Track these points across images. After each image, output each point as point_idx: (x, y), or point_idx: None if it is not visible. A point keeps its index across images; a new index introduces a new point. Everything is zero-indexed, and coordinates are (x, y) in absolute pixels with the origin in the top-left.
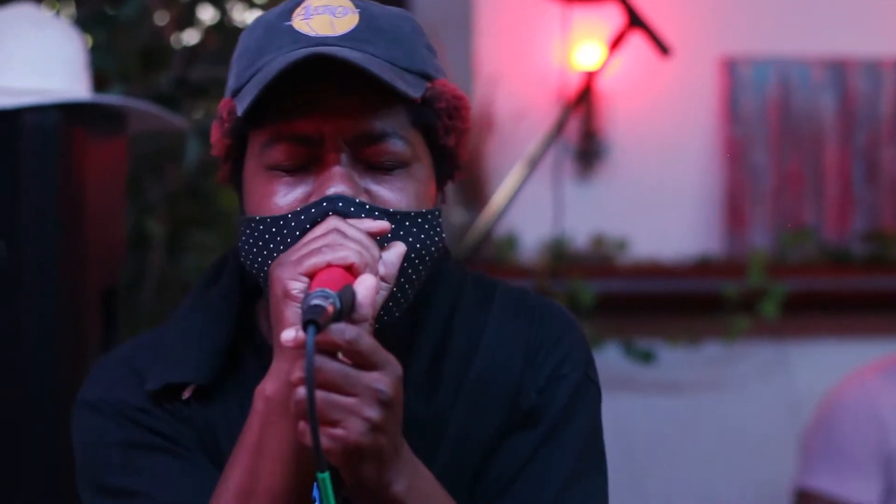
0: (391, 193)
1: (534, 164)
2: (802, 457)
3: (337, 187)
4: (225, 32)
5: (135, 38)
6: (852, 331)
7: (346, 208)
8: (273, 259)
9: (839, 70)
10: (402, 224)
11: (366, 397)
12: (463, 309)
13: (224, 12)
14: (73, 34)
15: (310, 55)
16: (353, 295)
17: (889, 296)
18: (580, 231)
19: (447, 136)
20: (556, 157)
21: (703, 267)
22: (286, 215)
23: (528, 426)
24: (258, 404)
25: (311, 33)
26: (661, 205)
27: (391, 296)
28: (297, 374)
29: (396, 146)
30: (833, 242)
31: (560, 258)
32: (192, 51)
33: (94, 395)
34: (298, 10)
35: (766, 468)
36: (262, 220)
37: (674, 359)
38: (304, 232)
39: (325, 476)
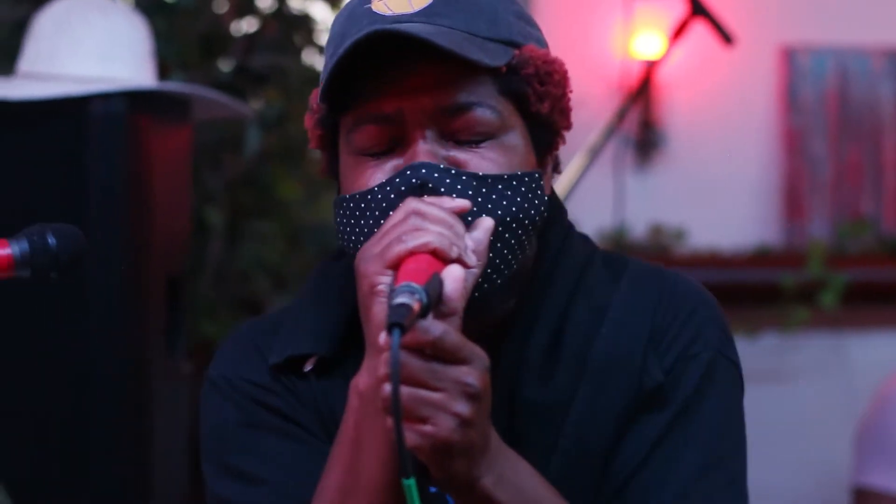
0: (482, 162)
1: (595, 154)
2: (857, 454)
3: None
4: (284, 20)
5: (194, 25)
6: None
7: (429, 174)
8: (364, 235)
9: None
10: (493, 188)
11: (454, 392)
12: (589, 286)
13: (282, 0)
14: (138, 21)
15: (369, 33)
16: (440, 285)
17: None
18: (638, 221)
19: (540, 103)
20: (615, 147)
21: (761, 257)
22: (372, 188)
23: (654, 408)
24: (353, 400)
25: (388, 13)
26: (718, 195)
27: (488, 266)
28: (382, 370)
29: (484, 115)
30: (892, 234)
31: (620, 248)
32: (251, 38)
33: (217, 371)
34: None
35: (824, 459)
36: (352, 198)
37: None
38: (391, 204)
39: (411, 482)
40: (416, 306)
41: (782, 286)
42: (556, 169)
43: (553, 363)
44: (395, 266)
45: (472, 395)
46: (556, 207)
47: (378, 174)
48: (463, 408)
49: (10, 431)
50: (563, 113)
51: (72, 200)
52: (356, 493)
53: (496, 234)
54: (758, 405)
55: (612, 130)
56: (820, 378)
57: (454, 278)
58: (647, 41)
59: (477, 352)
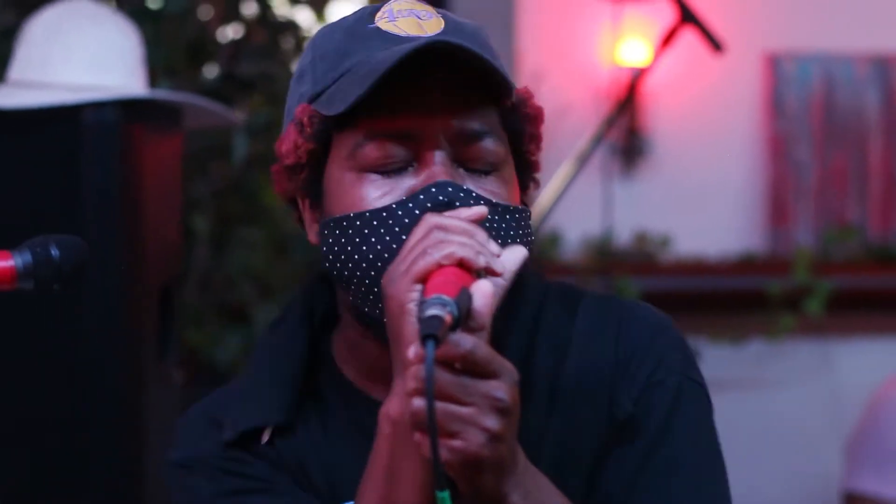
0: (490, 196)
1: (583, 162)
2: (848, 459)
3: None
4: (269, 27)
5: (180, 32)
6: (895, 329)
7: (455, 194)
8: (375, 254)
9: (883, 66)
10: (504, 217)
11: (484, 407)
12: (547, 320)
13: (267, 7)
14: (129, 29)
15: (427, 43)
16: (469, 298)
17: None
18: (623, 228)
19: (530, 144)
20: (602, 155)
21: (746, 264)
22: (390, 206)
23: (627, 439)
24: (384, 427)
25: (402, 33)
26: (703, 202)
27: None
28: (411, 384)
29: (493, 146)
30: (877, 240)
31: (606, 256)
32: (237, 45)
33: (181, 453)
34: (380, 13)
35: (810, 465)
36: (360, 216)
37: (717, 356)
38: (413, 220)
39: (445, 495)
40: (447, 318)
41: (768, 293)
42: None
43: (523, 400)
44: (423, 280)
45: (502, 410)
46: None
47: (386, 193)
48: (493, 422)
49: (4, 436)
50: (539, 158)
51: (66, 209)
52: None
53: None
54: (744, 412)
55: (599, 138)
56: (806, 385)
57: (483, 293)
58: (634, 48)
59: (507, 366)
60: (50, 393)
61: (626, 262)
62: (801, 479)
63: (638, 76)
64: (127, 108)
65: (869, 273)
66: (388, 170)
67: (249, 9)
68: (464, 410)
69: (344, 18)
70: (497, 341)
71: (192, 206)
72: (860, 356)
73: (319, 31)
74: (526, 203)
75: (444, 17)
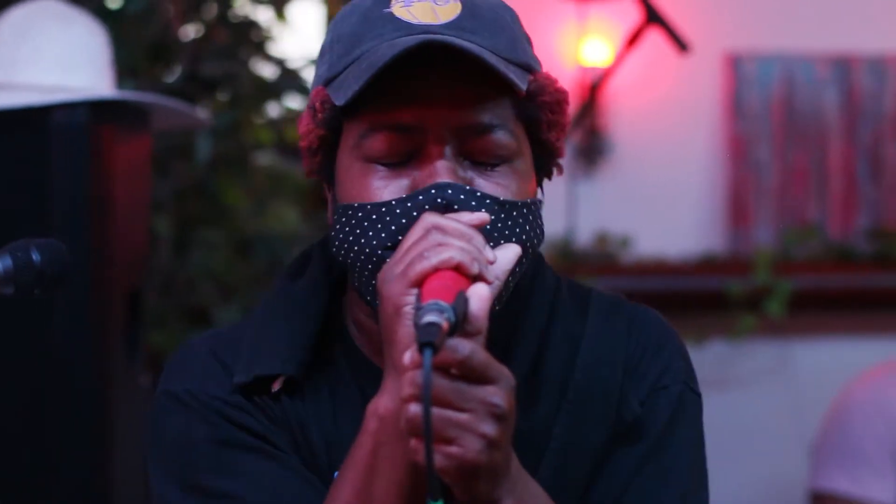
0: (496, 188)
1: None
2: (816, 459)
3: (443, 179)
4: (230, 27)
5: (142, 32)
6: (857, 329)
7: (455, 196)
8: (371, 248)
9: (843, 66)
10: (510, 214)
11: (480, 413)
12: (560, 316)
13: (228, 6)
14: (97, 29)
15: (422, 42)
16: (465, 302)
17: (893, 294)
18: (583, 229)
19: (549, 131)
20: (567, 155)
21: (707, 265)
22: (390, 202)
23: (631, 440)
24: (370, 423)
25: (414, 21)
26: (664, 202)
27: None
28: (407, 390)
29: (504, 139)
30: (837, 240)
31: (567, 257)
32: (199, 45)
33: (180, 385)
34: None
35: (772, 465)
36: (363, 207)
37: None
38: (410, 220)
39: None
40: (445, 325)
41: (729, 293)
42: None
43: (534, 390)
44: (419, 284)
45: (498, 416)
46: None
47: (389, 185)
48: (490, 429)
49: None
50: (563, 142)
51: (35, 210)
52: None
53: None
54: (705, 412)
55: (567, 137)
56: (767, 385)
57: (480, 297)
58: (598, 48)
59: (504, 372)
60: (19, 395)
61: (587, 263)
62: (763, 478)
63: (602, 76)
64: (96, 109)
65: (829, 273)
66: (392, 162)
67: (211, 9)
68: (461, 416)
69: (363, 0)
70: (511, 332)
71: (153, 208)
72: (821, 356)
73: (341, 11)
74: (541, 189)
75: (462, 0)
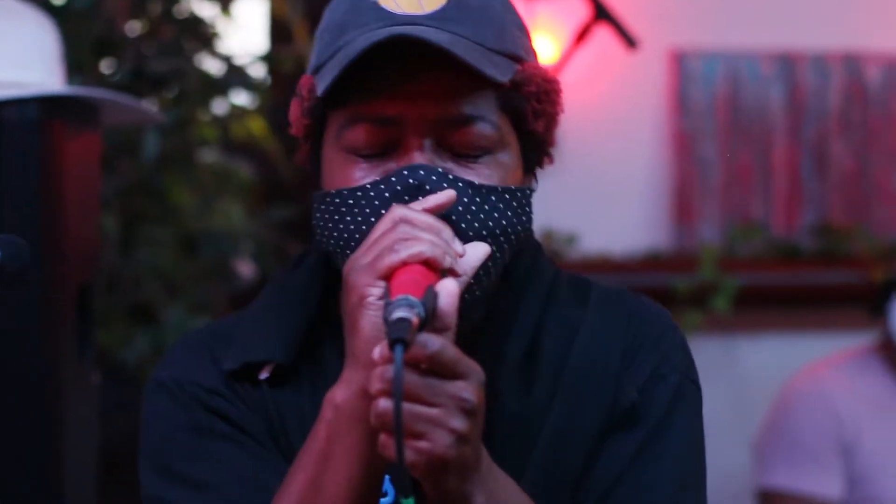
0: (476, 178)
1: None
2: (760, 456)
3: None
4: (176, 23)
5: (87, 28)
6: (801, 325)
7: (426, 177)
8: (349, 233)
9: (787, 63)
10: (487, 198)
11: (450, 408)
12: (558, 303)
13: (173, 2)
14: (48, 25)
15: (392, 36)
16: (435, 297)
17: (837, 290)
18: None
19: (536, 121)
20: None
21: (652, 261)
22: (364, 185)
23: (628, 427)
24: (327, 412)
25: (398, 11)
26: (609, 199)
27: (468, 287)
28: (377, 385)
29: (485, 130)
30: (782, 236)
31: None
32: (144, 41)
33: (166, 373)
34: None
35: (717, 460)
36: (339, 193)
37: None
38: (384, 202)
39: (410, 502)
40: (415, 321)
41: (674, 290)
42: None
43: (529, 376)
44: (387, 277)
45: (468, 411)
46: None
47: (368, 177)
48: (459, 423)
49: None
50: (553, 132)
51: None
52: None
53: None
54: None
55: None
56: (712, 381)
57: (449, 293)
58: (545, 45)
59: (473, 367)
60: None
61: None
62: (710, 472)
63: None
64: (46, 105)
65: (773, 270)
66: (372, 153)
67: (156, 5)
68: (430, 411)
69: None
70: (508, 319)
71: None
72: (766, 352)
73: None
74: (530, 180)
75: None
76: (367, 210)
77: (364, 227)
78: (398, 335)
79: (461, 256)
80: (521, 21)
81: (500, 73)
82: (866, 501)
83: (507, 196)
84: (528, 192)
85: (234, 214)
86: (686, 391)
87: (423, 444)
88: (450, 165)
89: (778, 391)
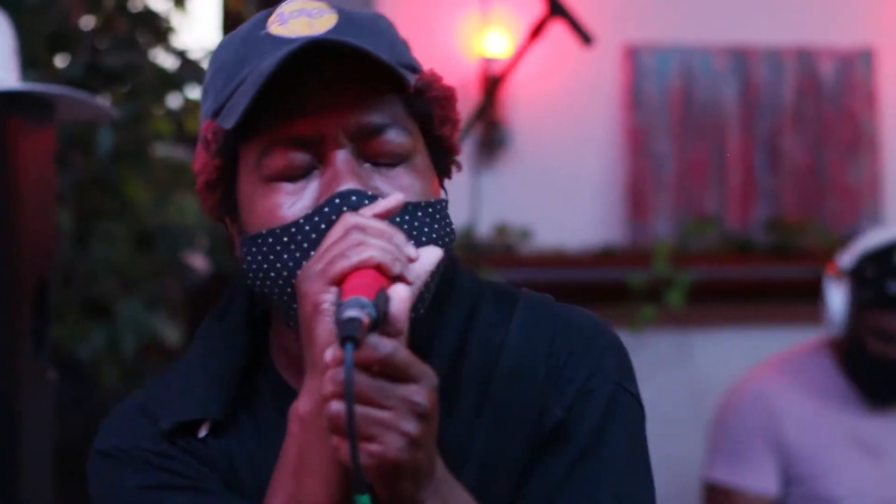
0: (398, 190)
1: None
2: (707, 450)
3: (347, 184)
4: (129, 17)
5: (41, 23)
6: (755, 319)
7: (359, 202)
8: (289, 271)
9: (741, 58)
10: (414, 215)
11: (402, 411)
12: (480, 322)
13: None
14: (1, 20)
15: (308, 41)
16: (386, 301)
17: (791, 284)
18: (482, 220)
19: (442, 127)
20: (470, 147)
21: (607, 256)
22: (298, 221)
23: (557, 446)
24: (294, 426)
25: (292, 35)
26: (563, 193)
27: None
28: (329, 388)
29: (398, 137)
30: (736, 231)
31: (468, 249)
32: (99, 35)
33: (108, 443)
34: (272, 18)
35: (673, 455)
36: (271, 233)
37: None
38: (321, 234)
39: (365, 499)
40: (366, 320)
41: (629, 285)
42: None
43: (450, 401)
44: (339, 282)
45: (420, 415)
46: None
47: (296, 202)
48: (412, 427)
49: None
50: (457, 139)
51: None
52: None
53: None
54: None
55: (467, 130)
56: (667, 375)
57: (401, 298)
58: (499, 40)
59: (426, 370)
60: None
61: (487, 255)
62: (664, 466)
63: (504, 68)
64: (2, 101)
65: (728, 264)
66: (294, 176)
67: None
68: (382, 414)
69: (241, 27)
70: (425, 339)
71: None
72: (720, 346)
73: (219, 44)
74: (444, 188)
75: (338, 11)
76: (305, 245)
77: (304, 262)
78: (348, 333)
79: (413, 261)
80: (403, 38)
81: (407, 76)
82: (815, 497)
83: (430, 210)
84: (445, 202)
85: (189, 209)
86: (620, 402)
87: (374, 447)
88: (372, 176)
89: (731, 384)
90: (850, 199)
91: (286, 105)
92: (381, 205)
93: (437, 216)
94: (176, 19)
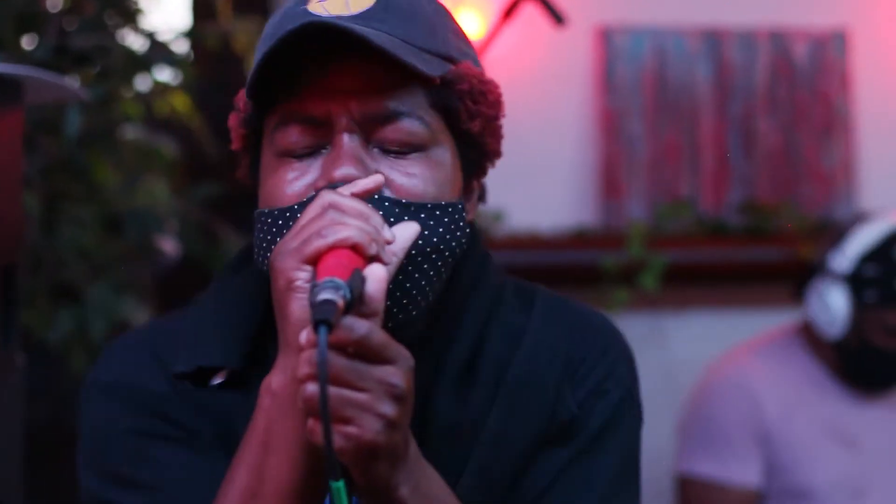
0: (406, 178)
1: None
2: (681, 442)
3: (344, 169)
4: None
5: (7, 3)
6: (729, 302)
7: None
8: None
9: (714, 40)
10: (416, 216)
11: (378, 393)
12: (502, 314)
13: None
14: None
15: (304, 24)
16: (362, 281)
17: (764, 267)
18: None
19: (471, 121)
20: None
21: (580, 239)
22: (293, 206)
23: (564, 440)
24: (264, 400)
25: (324, 13)
26: (536, 176)
27: (403, 297)
28: (304, 370)
29: (412, 126)
30: (709, 214)
31: None
32: (66, 16)
33: (110, 376)
34: None
35: (645, 441)
36: (270, 213)
37: None
38: None
39: (340, 485)
40: (340, 303)
41: (602, 267)
42: (482, 198)
43: (467, 385)
44: (314, 261)
45: (397, 397)
46: (473, 235)
47: (299, 179)
48: (388, 409)
49: None
50: (494, 136)
51: None
52: (262, 496)
53: (414, 264)
54: None
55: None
56: (640, 357)
57: (377, 278)
58: (471, 20)
59: (402, 352)
60: None
61: None
62: None
63: (477, 49)
64: None
65: (702, 247)
66: (302, 153)
67: None
68: (359, 396)
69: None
70: (450, 330)
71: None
72: (693, 328)
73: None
74: (472, 188)
75: None
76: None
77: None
78: (322, 316)
79: (390, 243)
80: (456, 26)
81: (427, 67)
82: (792, 488)
83: (438, 212)
84: (458, 205)
85: (159, 192)
86: (626, 410)
87: (351, 430)
88: (380, 163)
89: (702, 372)
90: (823, 181)
91: (304, 84)
92: (360, 184)
93: (445, 218)
94: (144, 1)
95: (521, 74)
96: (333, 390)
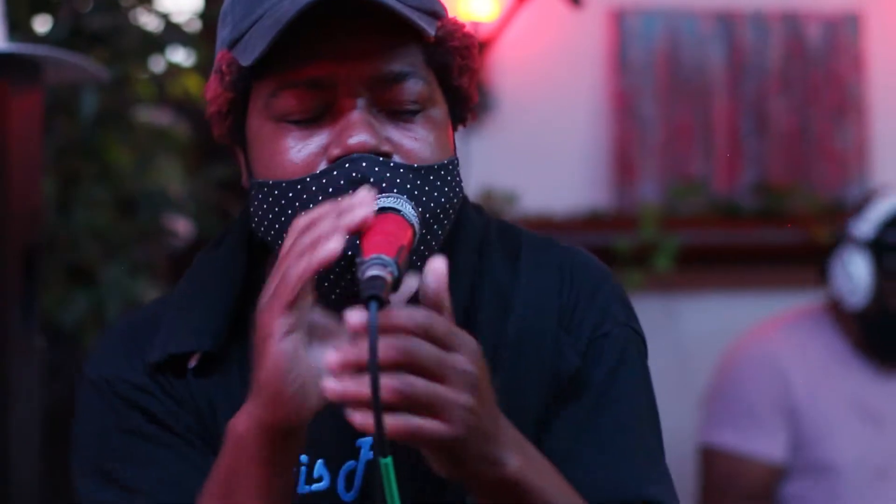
0: (414, 143)
1: None
2: (706, 413)
3: (358, 136)
4: None
5: None
6: (742, 283)
7: (369, 170)
8: (288, 224)
9: (727, 22)
10: (426, 179)
11: (456, 383)
12: (490, 265)
13: None
14: None
15: None
16: (407, 255)
17: (777, 249)
18: (468, 185)
19: (461, 77)
20: None
21: (593, 221)
22: (305, 179)
23: (576, 394)
24: (229, 440)
25: None
26: (549, 158)
27: (413, 253)
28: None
29: (416, 87)
30: (722, 195)
31: None
32: None
33: (96, 371)
34: None
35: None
36: (278, 185)
37: None
38: (327, 195)
39: (388, 461)
40: (388, 279)
41: (616, 249)
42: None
43: None
44: (290, 306)
45: (473, 385)
46: None
47: (303, 147)
48: (467, 398)
49: None
50: (477, 88)
51: None
52: None
53: (427, 227)
54: None
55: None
56: (654, 339)
57: (435, 271)
58: (486, 3)
59: (465, 336)
60: None
61: None
62: None
63: (491, 32)
64: None
65: (715, 228)
66: (305, 119)
67: None
68: (444, 390)
69: None
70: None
71: None
72: (707, 310)
73: None
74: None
75: None
76: (311, 205)
77: None
78: (372, 292)
79: (369, 217)
80: None
81: (428, 26)
82: (815, 463)
83: (443, 172)
84: (456, 161)
85: (172, 173)
86: (631, 343)
87: (434, 425)
88: (386, 126)
89: (720, 350)
90: (836, 163)
91: (302, 48)
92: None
93: (448, 177)
94: None
95: (535, 56)
96: (422, 382)
